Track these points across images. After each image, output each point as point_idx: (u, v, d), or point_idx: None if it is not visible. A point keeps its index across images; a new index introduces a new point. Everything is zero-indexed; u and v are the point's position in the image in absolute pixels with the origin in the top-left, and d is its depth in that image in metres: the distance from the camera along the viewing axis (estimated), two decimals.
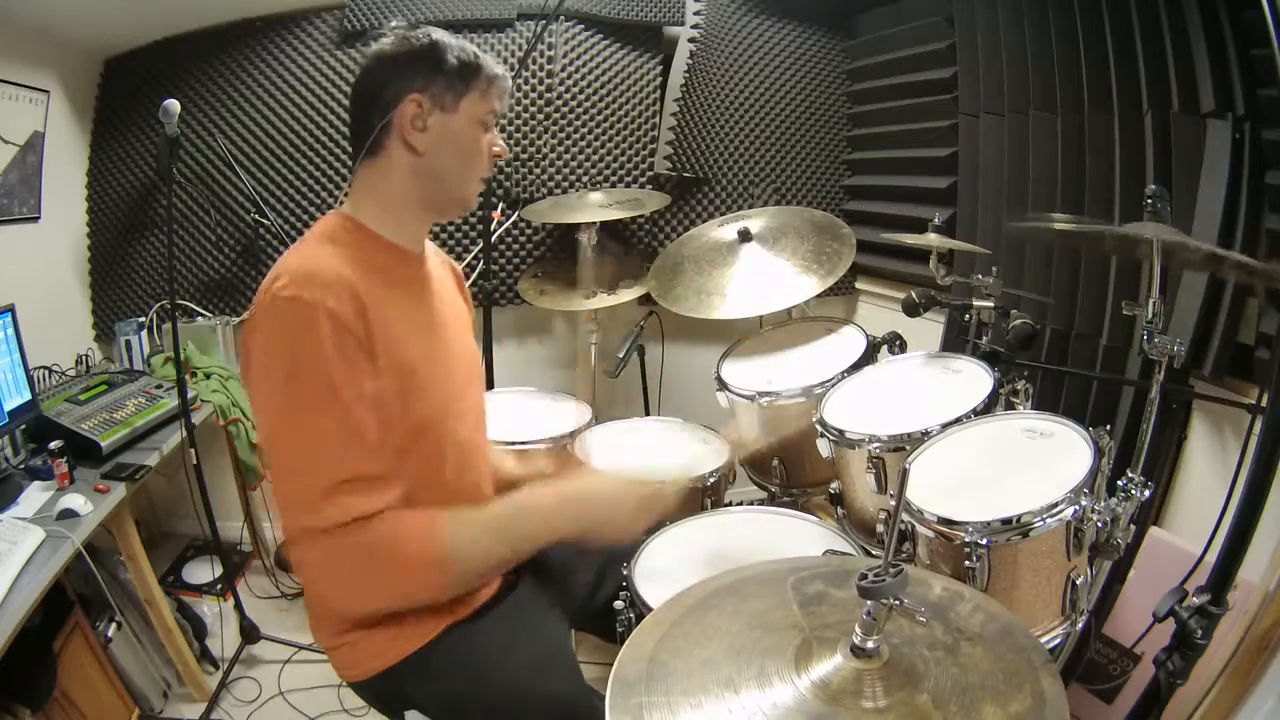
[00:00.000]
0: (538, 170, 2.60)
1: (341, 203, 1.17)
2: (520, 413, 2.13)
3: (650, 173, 2.67)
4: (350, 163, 2.49)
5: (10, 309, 1.80)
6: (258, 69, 2.49)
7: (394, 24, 1.12)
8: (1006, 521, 1.18)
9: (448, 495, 1.15)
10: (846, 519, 1.63)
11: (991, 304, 1.68)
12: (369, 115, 1.09)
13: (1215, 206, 1.55)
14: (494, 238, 2.53)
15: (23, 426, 1.81)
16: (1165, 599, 1.05)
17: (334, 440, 0.97)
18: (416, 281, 1.19)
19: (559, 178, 2.62)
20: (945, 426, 1.44)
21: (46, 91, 2.22)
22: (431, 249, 1.28)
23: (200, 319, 2.52)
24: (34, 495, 1.68)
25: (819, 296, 2.04)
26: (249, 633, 2.22)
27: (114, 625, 1.90)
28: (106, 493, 1.70)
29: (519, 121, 2.56)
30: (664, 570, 1.33)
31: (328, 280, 0.99)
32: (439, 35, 1.10)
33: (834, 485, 1.64)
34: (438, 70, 1.08)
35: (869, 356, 1.87)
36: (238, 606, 2.25)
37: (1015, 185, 2.10)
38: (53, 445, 1.71)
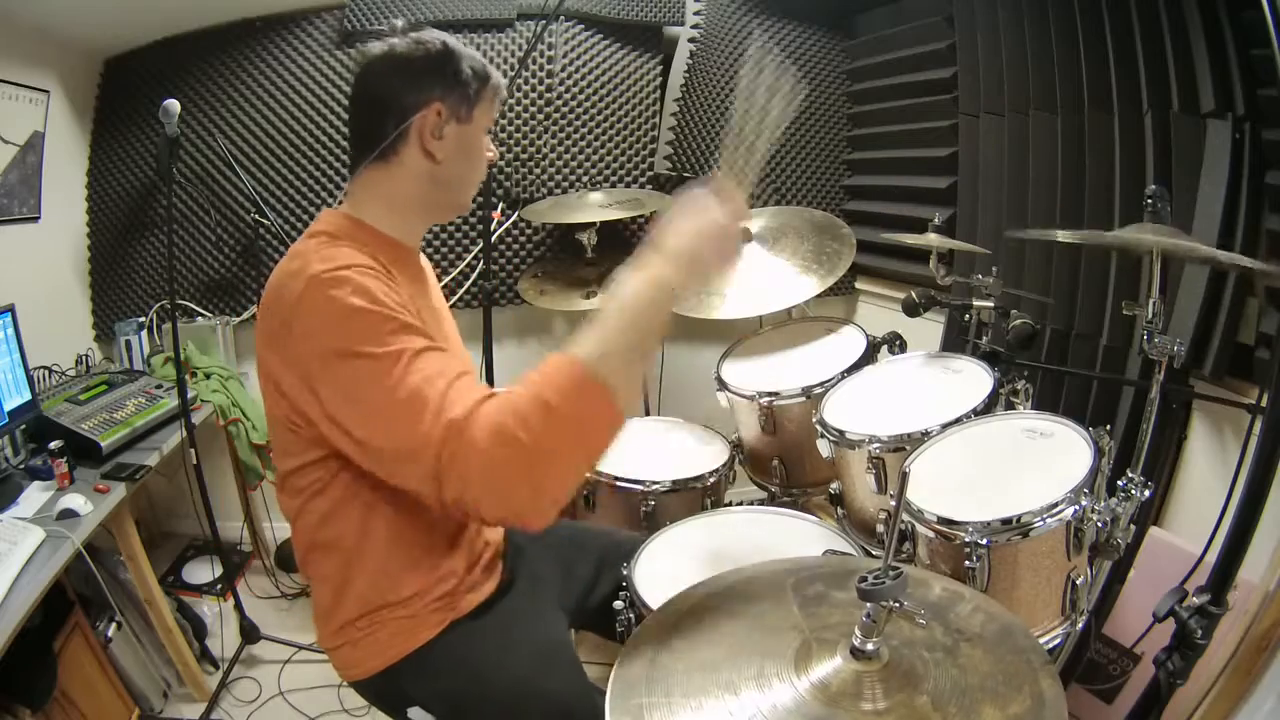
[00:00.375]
0: (538, 170, 2.59)
1: (340, 202, 1.17)
2: None
3: (650, 173, 2.67)
4: (348, 162, 2.53)
5: (10, 309, 1.80)
6: (258, 69, 2.49)
7: (398, 23, 1.11)
8: (1006, 521, 1.18)
9: None
10: (846, 519, 1.63)
11: (991, 304, 1.68)
12: (382, 119, 1.07)
13: (1215, 206, 1.55)
14: (494, 238, 2.53)
15: (23, 426, 1.81)
16: (1165, 599, 1.05)
17: (432, 357, 0.94)
18: (419, 276, 1.22)
19: (559, 178, 2.62)
20: (945, 426, 1.44)
21: (46, 91, 2.22)
22: None
23: (200, 319, 2.52)
24: (34, 495, 1.68)
25: (819, 296, 2.04)
26: (249, 633, 2.22)
27: (114, 625, 1.90)
28: (106, 493, 1.70)
29: (519, 121, 2.56)
30: (664, 570, 1.33)
31: (356, 259, 0.99)
32: (450, 41, 1.10)
33: (834, 485, 1.64)
34: (455, 79, 1.08)
35: (869, 356, 1.87)
36: (238, 606, 2.25)
37: (1015, 185, 2.10)
38: (53, 445, 1.71)
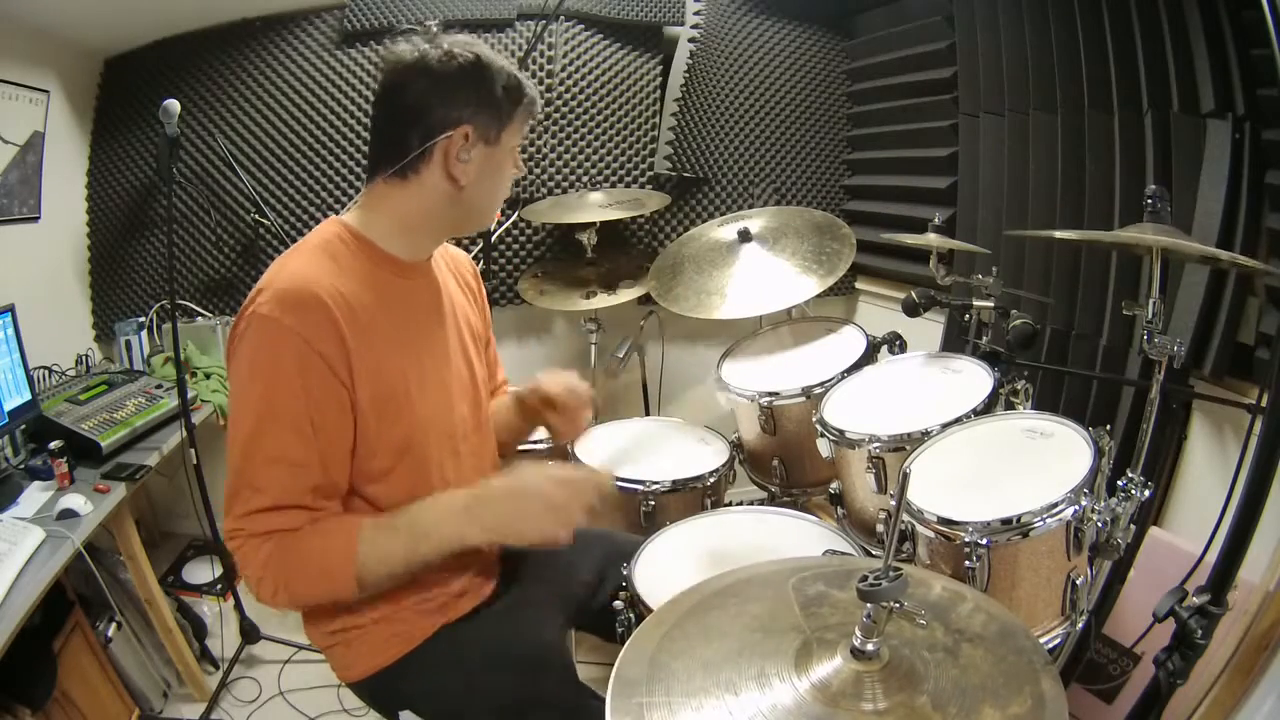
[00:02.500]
0: (538, 170, 2.59)
1: (346, 207, 1.15)
2: None
3: (650, 173, 2.67)
4: (354, 167, 2.53)
5: (10, 309, 1.80)
6: (258, 69, 2.49)
7: (432, 25, 1.07)
8: (1006, 521, 1.18)
9: None
10: (846, 519, 1.63)
11: (991, 304, 1.68)
12: (405, 133, 1.04)
13: (1215, 206, 1.55)
14: (494, 238, 2.53)
15: (23, 426, 1.81)
16: (1165, 599, 1.05)
17: (288, 466, 0.99)
18: (413, 294, 1.15)
19: (559, 178, 2.62)
20: (945, 426, 1.44)
21: (46, 91, 2.22)
22: (440, 249, 1.25)
23: (200, 319, 2.52)
24: (34, 495, 1.68)
25: (819, 296, 2.04)
26: (249, 633, 2.22)
27: (114, 625, 1.90)
28: (106, 493, 1.70)
29: None
30: (664, 570, 1.33)
31: (308, 304, 0.98)
32: (483, 53, 1.05)
33: (834, 485, 1.64)
34: (488, 99, 1.05)
35: (869, 356, 1.87)
36: (238, 606, 2.25)
37: (1015, 185, 2.10)
38: (53, 445, 1.71)
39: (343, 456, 1.04)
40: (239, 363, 1.02)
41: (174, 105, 1.93)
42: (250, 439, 0.99)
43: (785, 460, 1.88)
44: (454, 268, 1.31)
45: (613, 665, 0.83)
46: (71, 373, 2.24)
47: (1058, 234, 1.48)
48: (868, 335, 1.94)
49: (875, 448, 1.47)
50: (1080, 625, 1.25)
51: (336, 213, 1.15)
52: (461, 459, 1.20)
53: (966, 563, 1.19)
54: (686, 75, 2.59)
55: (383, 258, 1.10)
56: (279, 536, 0.99)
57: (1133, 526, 1.28)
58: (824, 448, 1.60)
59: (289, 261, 1.05)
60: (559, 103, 2.57)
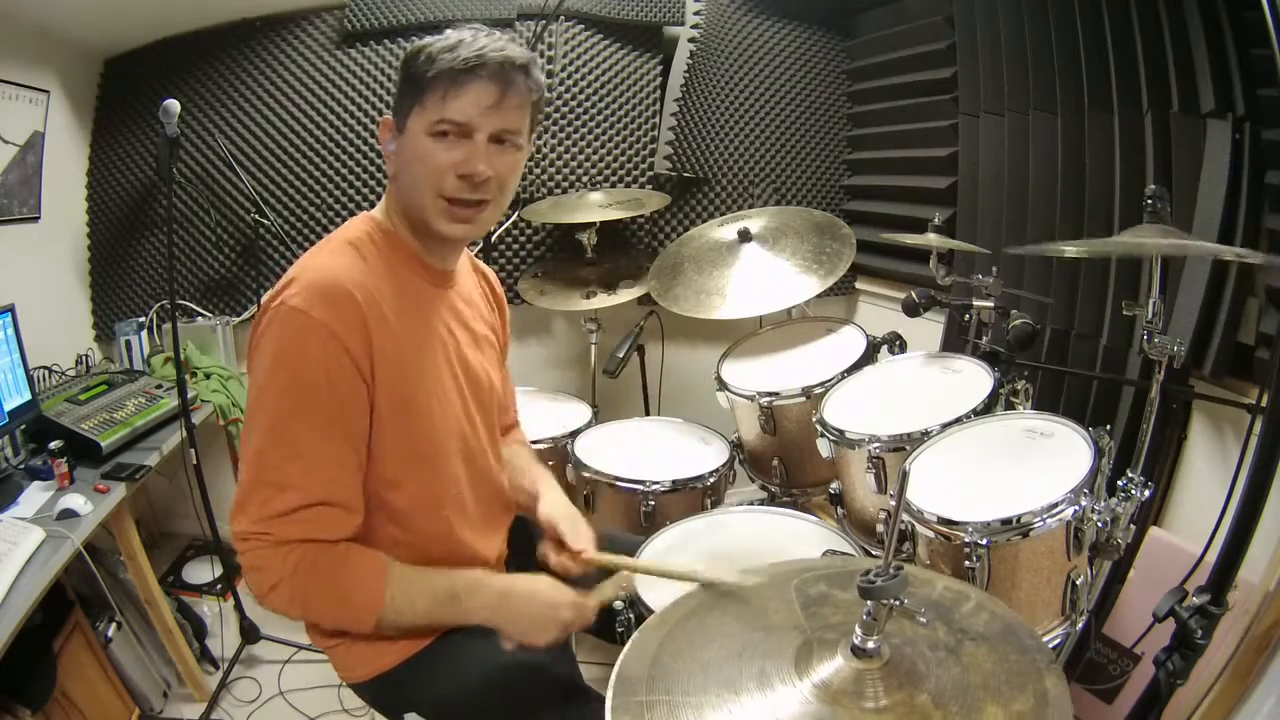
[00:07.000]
0: (538, 170, 2.59)
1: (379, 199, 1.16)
2: (520, 413, 2.12)
3: (650, 173, 2.67)
4: (355, 167, 2.52)
5: (10, 309, 1.79)
6: (258, 69, 2.48)
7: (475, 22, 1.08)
8: (1006, 521, 1.18)
9: (448, 524, 1.14)
10: (846, 519, 1.63)
11: (991, 304, 1.68)
12: None
13: (1215, 206, 1.55)
14: (494, 238, 2.53)
15: (23, 426, 1.81)
16: (1165, 599, 1.05)
17: (314, 461, 0.97)
18: (436, 301, 1.15)
19: (559, 178, 2.62)
20: (945, 426, 1.44)
21: (46, 91, 2.22)
22: (466, 260, 1.26)
23: (200, 319, 2.52)
24: (34, 495, 1.68)
25: (819, 296, 2.04)
26: (249, 633, 2.21)
27: (114, 625, 1.90)
28: (106, 493, 1.70)
29: None
30: None
31: (337, 299, 0.97)
32: (422, 42, 1.03)
33: (834, 485, 1.64)
34: (401, 87, 1.05)
35: (869, 356, 1.87)
36: (238, 606, 2.25)
37: (1015, 185, 2.10)
38: (53, 445, 1.71)
39: (365, 456, 1.03)
40: (262, 355, 0.98)
41: (174, 105, 1.93)
42: (272, 433, 0.97)
43: (785, 460, 1.88)
44: (482, 282, 1.31)
45: (613, 665, 0.83)
46: (71, 373, 2.24)
47: (1060, 244, 1.47)
48: (868, 335, 1.94)
49: (875, 448, 1.47)
50: (1080, 625, 1.26)
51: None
52: (478, 468, 1.21)
53: (966, 563, 1.19)
54: (686, 75, 2.59)
55: (407, 254, 1.10)
56: (315, 548, 0.97)
57: (1133, 526, 1.28)
58: (824, 448, 1.60)
59: (318, 255, 1.05)
60: (559, 103, 2.57)
